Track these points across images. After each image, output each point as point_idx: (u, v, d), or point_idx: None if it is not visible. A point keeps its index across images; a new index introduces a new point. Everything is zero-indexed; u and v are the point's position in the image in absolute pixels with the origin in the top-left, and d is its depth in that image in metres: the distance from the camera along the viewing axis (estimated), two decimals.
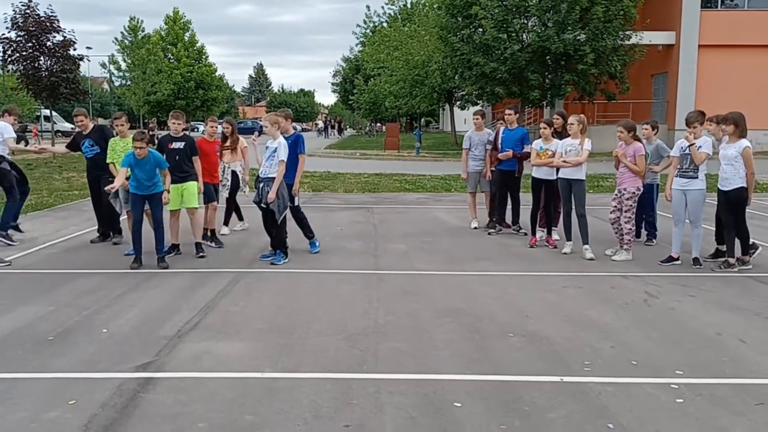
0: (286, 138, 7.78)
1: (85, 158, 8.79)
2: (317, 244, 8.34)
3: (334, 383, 4.22)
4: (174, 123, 8.17)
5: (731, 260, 7.34)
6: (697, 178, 7.29)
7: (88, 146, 8.56)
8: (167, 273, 7.20)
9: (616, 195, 7.93)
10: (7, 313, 5.72)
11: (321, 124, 68.33)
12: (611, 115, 29.49)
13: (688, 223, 7.57)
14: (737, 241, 7.34)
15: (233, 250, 8.46)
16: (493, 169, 9.55)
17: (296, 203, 8.05)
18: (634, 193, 7.77)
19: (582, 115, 8.30)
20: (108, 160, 8.27)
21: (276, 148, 7.43)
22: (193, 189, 8.04)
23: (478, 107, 27.19)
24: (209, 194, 8.62)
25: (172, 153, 7.88)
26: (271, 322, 5.48)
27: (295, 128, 8.31)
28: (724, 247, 7.61)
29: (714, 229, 7.99)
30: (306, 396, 4.03)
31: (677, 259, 7.55)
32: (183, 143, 7.99)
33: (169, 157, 7.77)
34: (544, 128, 8.47)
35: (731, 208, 7.25)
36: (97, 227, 9.03)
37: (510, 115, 9.42)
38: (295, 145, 7.91)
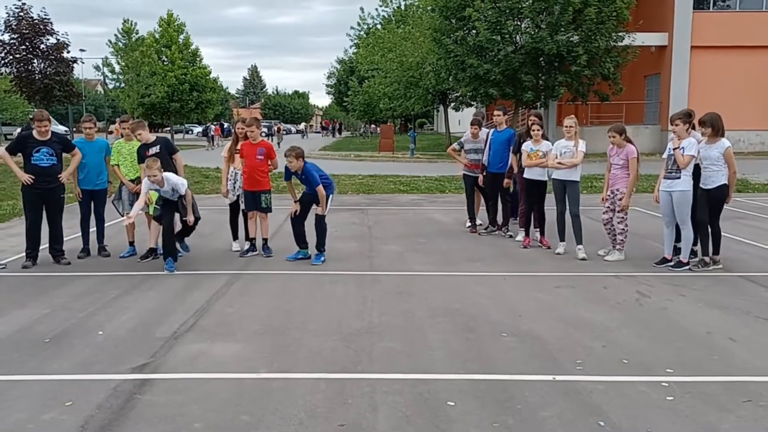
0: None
1: (34, 167, 7.49)
2: (322, 258, 7.92)
3: (329, 383, 4.26)
4: (141, 134, 7.79)
5: (706, 259, 7.43)
6: (680, 179, 7.31)
7: (45, 154, 7.52)
8: (162, 275, 7.23)
9: (609, 195, 7.99)
10: (3, 316, 5.74)
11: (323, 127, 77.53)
12: (604, 116, 29.66)
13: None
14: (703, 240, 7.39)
15: (228, 253, 8.48)
16: (485, 173, 9.55)
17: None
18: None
19: (573, 117, 8.37)
20: (113, 163, 8.20)
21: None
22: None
23: (476, 110, 27.27)
24: (255, 203, 8.15)
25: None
26: (266, 323, 5.52)
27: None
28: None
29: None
30: (301, 396, 4.06)
31: (670, 261, 7.60)
32: (158, 146, 7.81)
33: None
34: (537, 130, 8.52)
35: (711, 205, 7.32)
36: (27, 250, 7.71)
37: (498, 116, 9.39)
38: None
